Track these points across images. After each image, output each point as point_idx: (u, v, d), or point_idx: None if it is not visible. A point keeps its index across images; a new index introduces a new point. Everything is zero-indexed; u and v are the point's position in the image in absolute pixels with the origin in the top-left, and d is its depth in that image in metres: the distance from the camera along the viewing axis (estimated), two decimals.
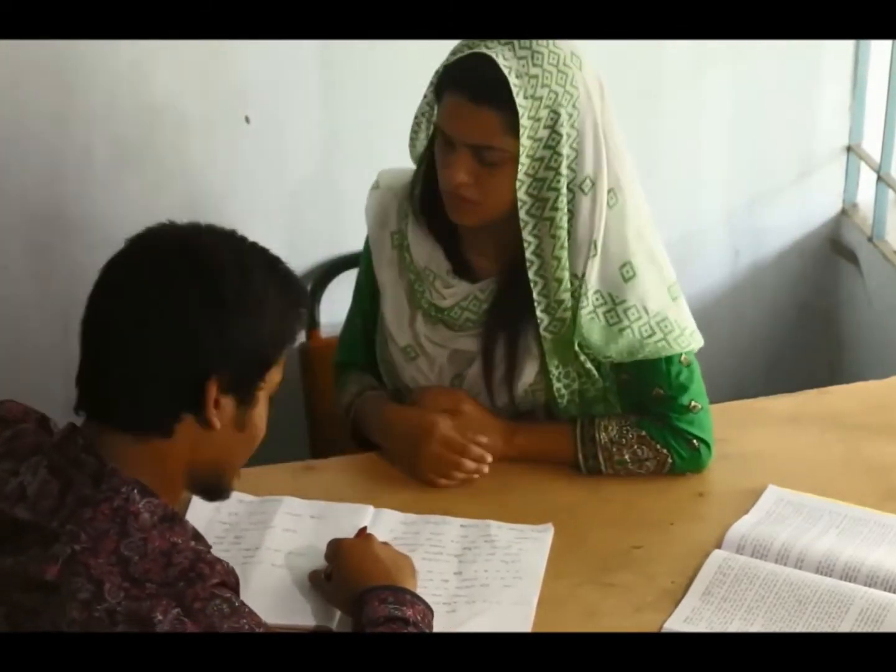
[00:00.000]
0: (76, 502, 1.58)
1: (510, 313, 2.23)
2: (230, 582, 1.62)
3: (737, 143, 3.25)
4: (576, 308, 2.18)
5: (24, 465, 1.63)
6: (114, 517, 1.58)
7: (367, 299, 2.38)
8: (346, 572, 1.95)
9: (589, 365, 2.23)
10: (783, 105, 3.23)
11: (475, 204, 2.13)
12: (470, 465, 2.23)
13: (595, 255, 2.15)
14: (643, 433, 2.26)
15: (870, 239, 3.30)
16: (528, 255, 2.15)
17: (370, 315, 2.38)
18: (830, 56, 3.20)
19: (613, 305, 2.18)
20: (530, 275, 2.16)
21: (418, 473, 2.25)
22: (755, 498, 2.20)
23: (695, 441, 2.26)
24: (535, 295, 2.18)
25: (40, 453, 1.64)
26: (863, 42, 3.20)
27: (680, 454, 2.26)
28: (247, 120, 2.90)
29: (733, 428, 2.35)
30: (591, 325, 2.18)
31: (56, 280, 2.89)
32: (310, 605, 1.98)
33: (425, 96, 2.20)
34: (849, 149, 3.33)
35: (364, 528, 2.04)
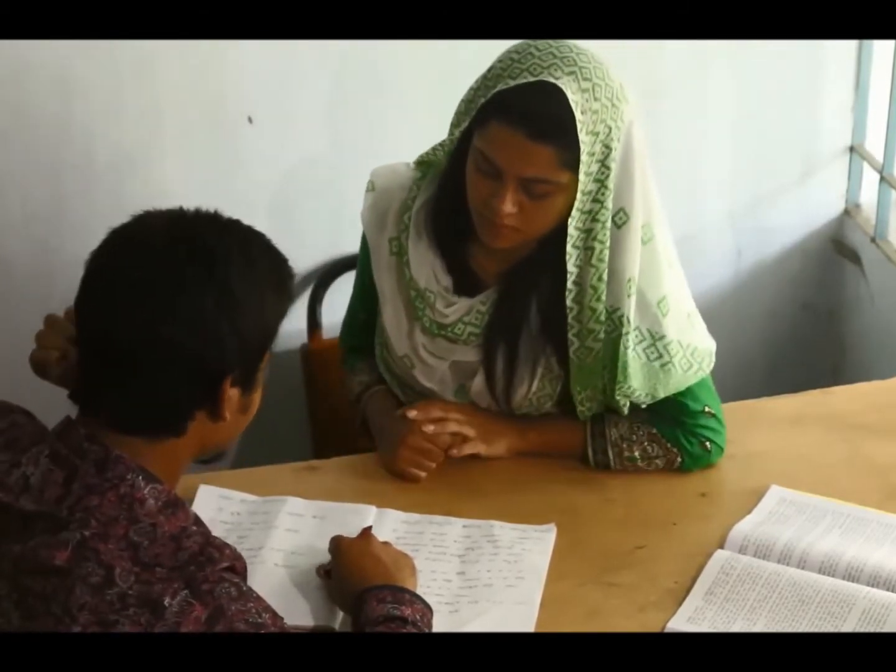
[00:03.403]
0: (82, 490, 1.59)
1: (509, 324, 2.22)
2: (238, 567, 1.63)
3: (739, 143, 3.25)
4: (616, 345, 2.17)
5: (26, 457, 1.63)
6: (120, 504, 1.58)
7: (367, 297, 2.37)
8: (346, 571, 1.96)
9: (625, 404, 2.22)
10: (786, 105, 3.23)
11: (514, 230, 2.11)
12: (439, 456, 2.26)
13: (632, 295, 2.15)
14: (654, 431, 2.27)
15: (872, 239, 3.30)
16: (569, 284, 2.14)
17: (371, 311, 2.38)
18: (833, 56, 3.20)
19: (653, 341, 2.19)
20: (568, 301, 2.16)
21: (397, 461, 2.26)
22: (758, 498, 2.20)
23: (707, 443, 2.27)
24: (569, 319, 2.17)
25: (41, 443, 1.64)
26: (865, 42, 3.20)
27: (690, 454, 2.27)
28: (249, 120, 2.90)
29: (736, 428, 2.34)
30: (634, 363, 2.18)
31: (58, 280, 2.89)
32: (312, 604, 1.98)
33: (461, 110, 2.14)
34: (852, 149, 3.33)
35: (369, 528, 2.04)
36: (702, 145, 3.21)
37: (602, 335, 2.17)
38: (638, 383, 2.19)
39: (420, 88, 2.96)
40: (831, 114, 3.28)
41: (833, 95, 3.26)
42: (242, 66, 2.84)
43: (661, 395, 2.22)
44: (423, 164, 2.26)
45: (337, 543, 2.01)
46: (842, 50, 3.20)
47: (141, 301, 1.59)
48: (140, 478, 1.60)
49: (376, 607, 1.86)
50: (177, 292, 1.59)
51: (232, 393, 1.65)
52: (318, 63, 2.88)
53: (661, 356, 2.19)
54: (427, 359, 2.28)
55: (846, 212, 3.39)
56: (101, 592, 1.54)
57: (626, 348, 2.17)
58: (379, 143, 2.97)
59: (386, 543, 2.01)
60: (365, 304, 2.40)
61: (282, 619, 1.64)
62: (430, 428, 2.25)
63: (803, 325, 3.48)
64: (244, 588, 1.60)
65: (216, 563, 1.59)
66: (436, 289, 2.24)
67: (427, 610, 1.90)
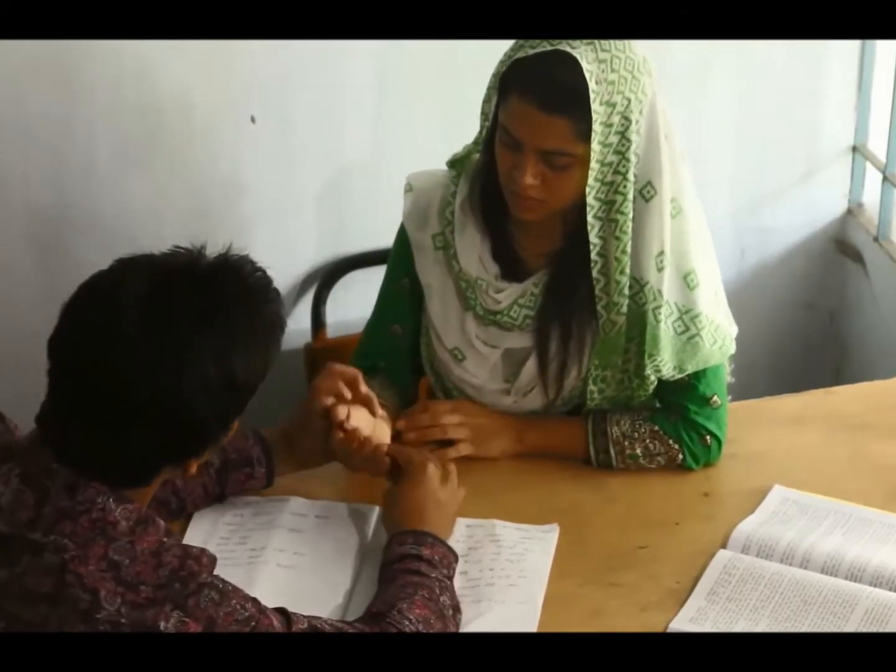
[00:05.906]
0: (55, 514, 1.58)
1: (563, 305, 2.22)
2: (212, 567, 1.64)
3: (742, 143, 3.25)
4: (645, 318, 2.17)
5: None
6: (93, 528, 1.58)
7: (405, 305, 2.34)
8: (396, 513, 2.02)
9: (653, 378, 2.22)
10: (788, 105, 3.23)
11: (540, 202, 2.11)
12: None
13: (664, 268, 2.16)
14: (656, 428, 2.27)
15: (875, 239, 3.30)
16: (593, 255, 2.14)
17: (409, 320, 2.35)
18: (836, 56, 3.20)
19: (681, 315, 2.19)
20: (594, 273, 2.16)
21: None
22: (760, 498, 2.20)
23: (708, 437, 2.27)
24: (596, 291, 2.18)
25: (11, 460, 1.63)
26: (868, 42, 3.21)
27: (691, 450, 2.26)
28: (252, 120, 2.90)
29: (739, 428, 2.34)
30: (665, 336, 2.18)
31: (60, 280, 2.88)
32: (314, 605, 1.98)
33: (490, 84, 2.13)
34: (854, 149, 3.33)
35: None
36: (704, 145, 3.21)
37: (625, 309, 2.18)
38: (668, 355, 2.20)
39: (423, 87, 2.96)
40: (834, 113, 3.28)
41: (835, 95, 3.26)
42: (244, 66, 2.84)
43: (690, 369, 2.22)
44: (456, 162, 2.26)
45: (416, 469, 2.06)
46: (844, 49, 3.20)
47: (108, 374, 1.56)
48: (110, 500, 1.60)
49: (397, 550, 1.93)
50: (144, 370, 1.56)
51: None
52: (323, 63, 2.88)
53: (688, 329, 2.20)
54: (480, 348, 2.28)
55: (849, 211, 3.39)
56: (91, 618, 1.54)
57: (657, 321, 2.17)
58: (384, 144, 2.98)
59: (448, 483, 2.07)
60: (399, 313, 2.35)
61: (257, 600, 1.66)
62: (410, 436, 2.23)
63: (806, 325, 3.48)
64: (220, 586, 1.61)
65: (197, 577, 1.60)
66: (486, 277, 2.24)
67: (449, 553, 1.95)
